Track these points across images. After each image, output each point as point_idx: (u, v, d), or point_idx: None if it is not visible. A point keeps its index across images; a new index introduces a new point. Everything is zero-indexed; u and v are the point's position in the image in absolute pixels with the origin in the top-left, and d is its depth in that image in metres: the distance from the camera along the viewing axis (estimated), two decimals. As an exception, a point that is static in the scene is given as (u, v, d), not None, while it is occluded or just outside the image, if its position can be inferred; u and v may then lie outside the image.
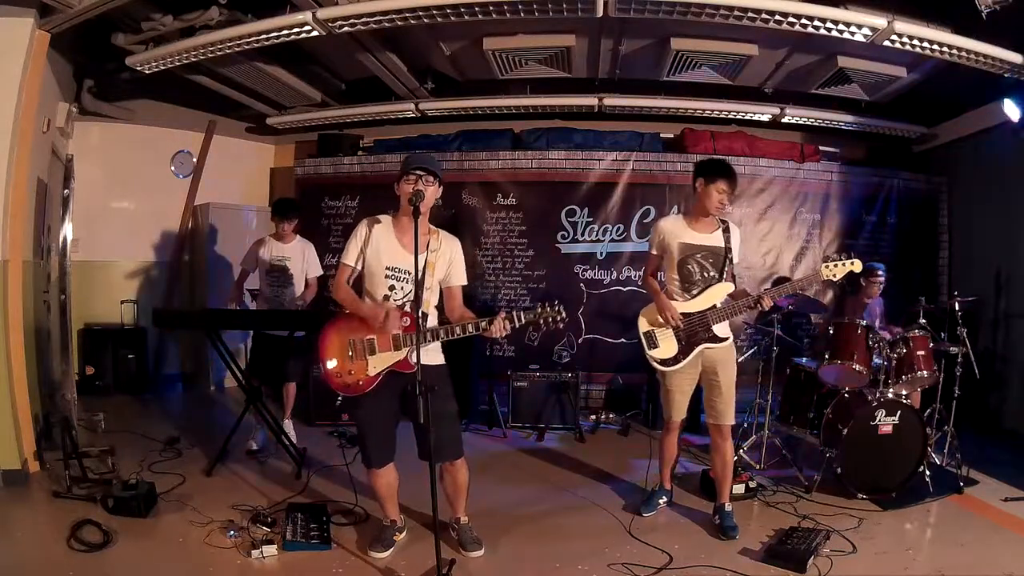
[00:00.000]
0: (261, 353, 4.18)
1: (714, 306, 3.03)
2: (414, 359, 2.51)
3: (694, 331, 3.04)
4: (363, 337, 2.63)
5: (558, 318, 2.53)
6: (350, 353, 2.64)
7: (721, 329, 3.05)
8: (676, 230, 3.11)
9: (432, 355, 2.69)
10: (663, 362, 3.09)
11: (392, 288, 2.64)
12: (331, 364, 2.67)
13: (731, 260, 3.08)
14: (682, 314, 3.03)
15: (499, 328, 2.51)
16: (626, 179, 5.60)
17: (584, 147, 5.72)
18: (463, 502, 2.89)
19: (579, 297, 5.60)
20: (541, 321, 2.54)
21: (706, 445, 3.97)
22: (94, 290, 5.78)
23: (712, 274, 3.06)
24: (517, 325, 2.54)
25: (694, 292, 3.07)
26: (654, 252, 3.19)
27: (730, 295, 3.07)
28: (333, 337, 2.68)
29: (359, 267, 2.70)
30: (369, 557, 2.73)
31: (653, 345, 3.11)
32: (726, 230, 3.09)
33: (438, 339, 2.61)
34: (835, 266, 2.94)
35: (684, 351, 3.06)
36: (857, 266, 2.95)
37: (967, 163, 5.54)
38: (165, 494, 3.29)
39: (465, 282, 2.79)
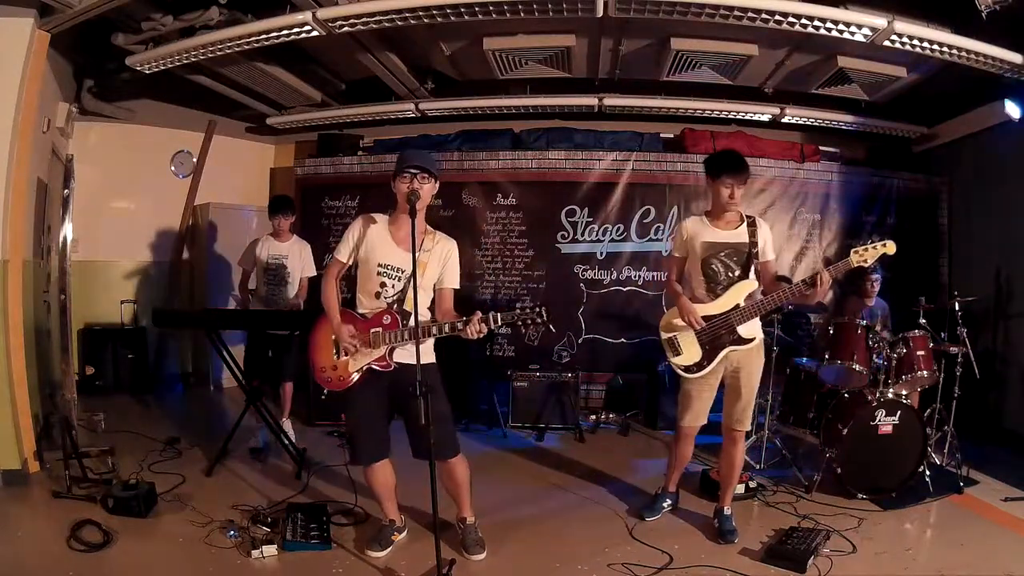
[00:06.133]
0: (257, 352, 4.18)
1: (737, 306, 2.89)
2: (394, 358, 2.57)
3: (717, 334, 2.91)
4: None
5: (538, 319, 2.43)
6: (335, 352, 2.67)
7: (746, 330, 2.90)
8: (699, 229, 3.00)
9: (421, 355, 2.66)
10: (687, 369, 2.99)
11: (383, 285, 2.64)
12: (318, 360, 2.73)
13: (756, 256, 2.92)
14: (705, 317, 2.90)
15: (474, 329, 2.42)
16: (626, 179, 5.59)
17: (584, 147, 5.71)
18: (466, 499, 2.88)
19: (579, 297, 5.60)
20: (519, 322, 2.44)
21: (707, 445, 3.97)
22: (94, 290, 5.78)
23: (736, 273, 2.92)
24: (493, 327, 2.45)
25: (719, 292, 2.93)
26: (677, 254, 3.07)
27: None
28: (322, 334, 2.73)
29: (350, 263, 2.71)
30: (367, 556, 2.73)
31: (676, 352, 3.01)
32: (752, 224, 2.95)
33: (414, 339, 2.50)
34: (865, 251, 2.73)
35: (708, 356, 2.94)
36: (891, 248, 2.72)
37: (967, 163, 5.53)
38: (165, 494, 3.28)
39: (457, 286, 2.74)
